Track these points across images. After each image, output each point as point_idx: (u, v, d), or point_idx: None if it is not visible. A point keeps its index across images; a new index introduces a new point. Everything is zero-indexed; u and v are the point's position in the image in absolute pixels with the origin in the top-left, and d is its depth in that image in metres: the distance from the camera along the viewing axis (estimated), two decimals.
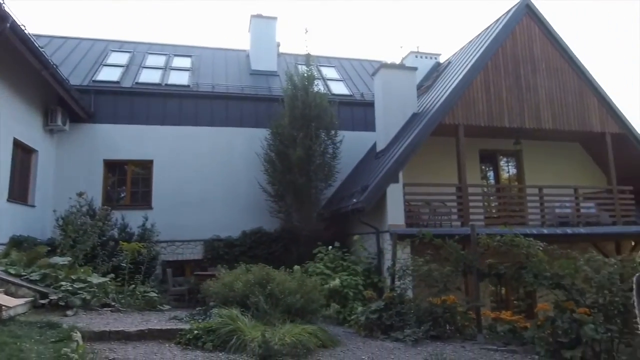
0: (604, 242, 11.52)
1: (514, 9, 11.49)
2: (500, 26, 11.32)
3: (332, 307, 7.98)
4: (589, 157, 13.24)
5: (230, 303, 6.21)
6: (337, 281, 8.54)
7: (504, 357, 5.35)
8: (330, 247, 9.74)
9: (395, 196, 9.60)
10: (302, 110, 11.61)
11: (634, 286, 3.93)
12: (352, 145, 12.85)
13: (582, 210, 11.10)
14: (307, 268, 9.07)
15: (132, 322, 5.85)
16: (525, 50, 11.21)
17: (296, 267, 8.28)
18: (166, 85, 13.16)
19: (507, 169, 13.18)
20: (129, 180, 12.34)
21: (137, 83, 12.96)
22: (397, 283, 7.67)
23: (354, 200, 9.82)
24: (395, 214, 9.51)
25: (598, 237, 11.04)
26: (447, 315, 6.51)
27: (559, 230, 10.35)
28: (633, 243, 11.76)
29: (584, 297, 5.88)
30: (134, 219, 10.99)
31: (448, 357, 5.12)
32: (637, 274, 4.12)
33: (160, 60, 14.73)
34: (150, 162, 12.27)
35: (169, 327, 5.55)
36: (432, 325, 6.36)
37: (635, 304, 3.80)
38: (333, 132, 12.04)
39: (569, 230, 10.42)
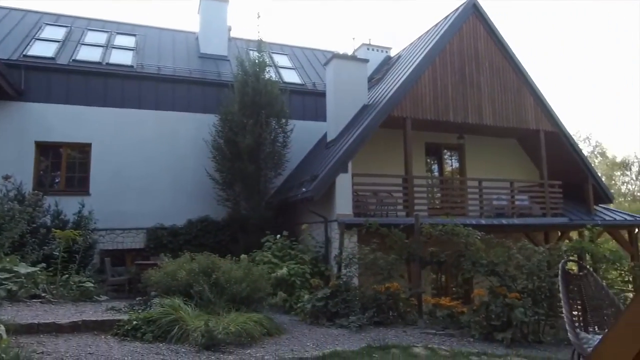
0: (535, 232, 12.36)
1: (461, 8, 11.88)
2: (448, 24, 11.68)
3: (278, 296, 7.96)
4: (524, 152, 14.11)
5: (173, 292, 6.04)
6: (284, 270, 8.54)
7: (441, 341, 5.61)
8: (278, 236, 9.69)
9: (344, 186, 9.71)
10: (253, 97, 11.40)
11: (560, 272, 4.24)
12: (302, 135, 12.83)
13: (516, 203, 11.84)
14: (254, 257, 8.98)
15: (64, 314, 5.52)
16: (471, 48, 11.66)
17: (243, 255, 8.16)
18: (107, 64, 12.39)
19: (451, 162, 13.75)
20: (64, 164, 11.56)
21: (74, 60, 12.09)
22: (344, 271, 7.81)
23: (304, 189, 9.82)
24: (343, 204, 9.63)
25: (530, 227, 11.83)
26: (391, 302, 6.72)
27: (495, 221, 10.97)
28: (560, 233, 12.73)
29: (516, 283, 6.31)
30: (69, 205, 10.35)
31: (390, 341, 5.28)
32: (562, 261, 4.45)
33: (101, 38, 13.82)
34: (89, 145, 11.56)
35: (105, 318, 5.30)
36: (376, 311, 6.55)
37: (560, 288, 4.11)
38: (284, 120, 11.93)
39: (504, 221, 11.08)
